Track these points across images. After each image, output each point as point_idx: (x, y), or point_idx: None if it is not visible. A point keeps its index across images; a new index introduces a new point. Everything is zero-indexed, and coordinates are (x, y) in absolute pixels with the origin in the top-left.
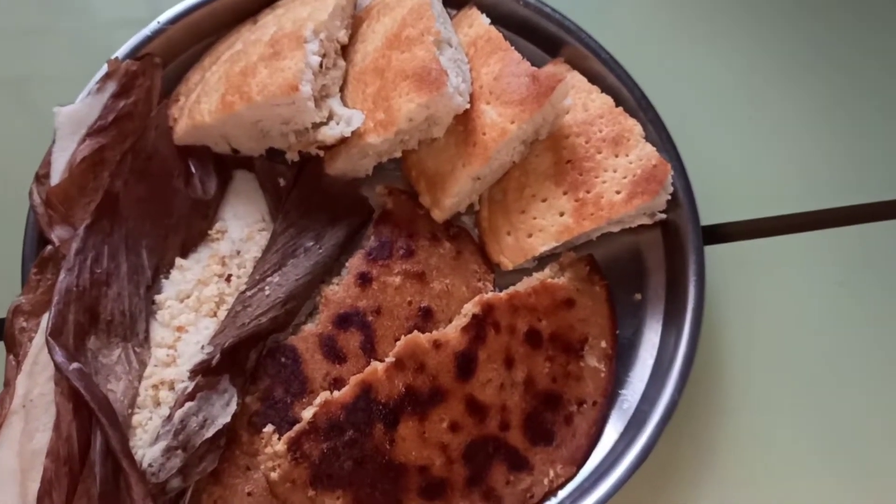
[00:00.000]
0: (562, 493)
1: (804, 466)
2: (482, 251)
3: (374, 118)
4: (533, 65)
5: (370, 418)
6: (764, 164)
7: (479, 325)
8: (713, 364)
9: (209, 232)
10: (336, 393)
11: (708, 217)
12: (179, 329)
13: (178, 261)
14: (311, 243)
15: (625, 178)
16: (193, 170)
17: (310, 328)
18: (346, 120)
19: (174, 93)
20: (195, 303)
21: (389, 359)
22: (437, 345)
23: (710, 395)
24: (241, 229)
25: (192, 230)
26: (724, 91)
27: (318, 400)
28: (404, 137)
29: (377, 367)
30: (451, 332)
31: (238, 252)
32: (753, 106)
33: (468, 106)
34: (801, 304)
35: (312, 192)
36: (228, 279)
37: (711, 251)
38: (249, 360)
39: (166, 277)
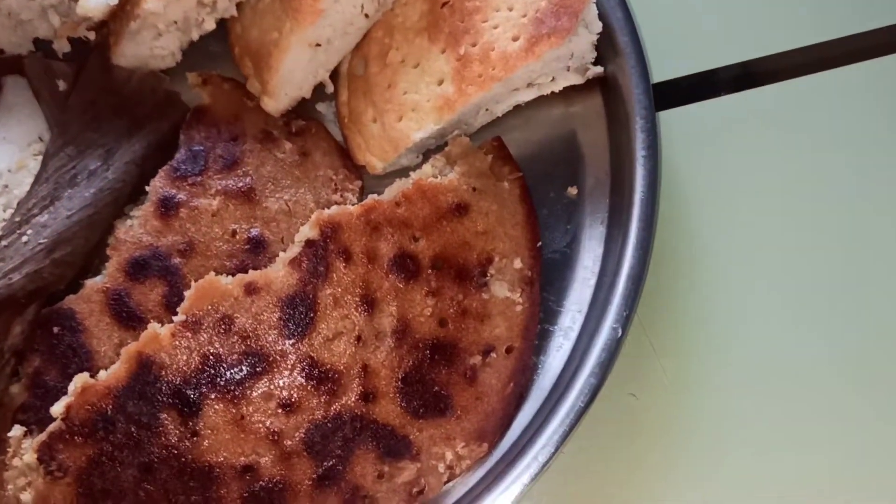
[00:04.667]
0: (469, 480)
1: (786, 414)
2: (342, 150)
3: None
4: None
5: (157, 405)
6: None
7: (318, 256)
8: (673, 276)
9: None
10: (102, 374)
11: (661, 71)
12: None
13: None
14: (98, 164)
15: (524, 16)
16: None
17: (94, 281)
18: None
19: None
20: None
21: (178, 317)
22: (251, 289)
23: (670, 321)
24: (11, 156)
25: None
26: None
27: (74, 386)
28: None
29: (158, 330)
30: (275, 269)
31: (6, 187)
32: None
33: None
34: (782, 180)
35: (100, 94)
36: None
37: (668, 118)
38: (11, 334)
39: None
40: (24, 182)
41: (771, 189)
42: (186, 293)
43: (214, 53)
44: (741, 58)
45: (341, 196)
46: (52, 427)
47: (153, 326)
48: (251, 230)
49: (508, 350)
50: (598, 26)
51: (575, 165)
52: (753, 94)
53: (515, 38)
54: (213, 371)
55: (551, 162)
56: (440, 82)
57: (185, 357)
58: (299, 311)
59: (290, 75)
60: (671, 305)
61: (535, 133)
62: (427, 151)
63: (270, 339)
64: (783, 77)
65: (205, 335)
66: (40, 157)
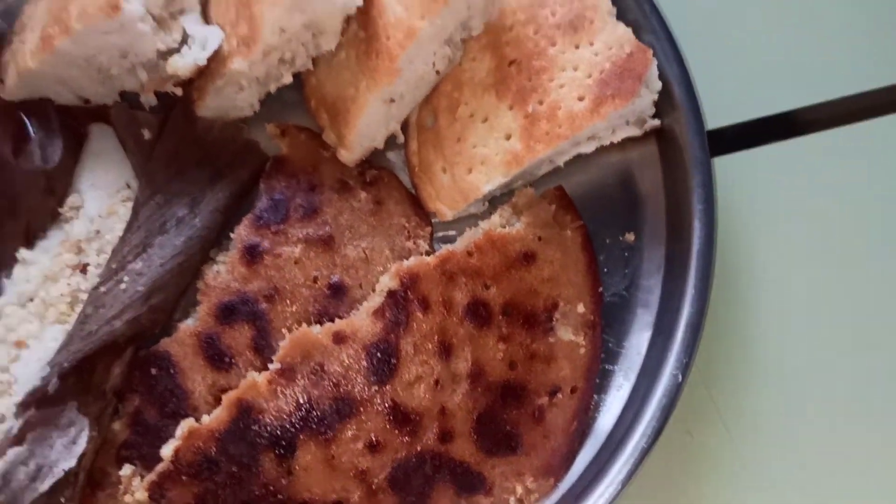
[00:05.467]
0: None
1: (841, 456)
2: (413, 198)
3: (237, 34)
4: None
5: (255, 447)
6: (789, 41)
7: (399, 306)
8: (732, 321)
9: (60, 210)
10: (206, 418)
11: (716, 119)
12: (18, 344)
13: (22, 253)
14: (185, 212)
15: (589, 77)
16: (32, 132)
17: (186, 325)
18: (200, 42)
19: (8, 33)
20: (40, 307)
21: (273, 365)
22: (339, 338)
23: (730, 363)
24: (101, 202)
25: (37, 211)
26: None
27: (181, 430)
28: (283, 56)
29: (256, 379)
30: (360, 318)
31: (98, 232)
32: None
33: (360, 2)
34: (838, 225)
35: (183, 144)
36: (84, 270)
37: (723, 164)
38: (111, 375)
39: (7, 276)
40: (114, 227)
41: (824, 234)
42: (281, 343)
43: (288, 101)
44: (792, 105)
45: (414, 242)
46: (161, 467)
47: (252, 375)
48: (332, 276)
49: (573, 390)
50: (658, 85)
51: (632, 211)
52: (806, 140)
53: (581, 98)
54: (306, 415)
55: (608, 207)
56: (508, 137)
57: (280, 402)
58: (383, 359)
59: (366, 129)
60: (726, 346)
61: (592, 178)
62: (493, 198)
63: (358, 384)
64: (834, 124)
65: (298, 382)
66: (128, 203)
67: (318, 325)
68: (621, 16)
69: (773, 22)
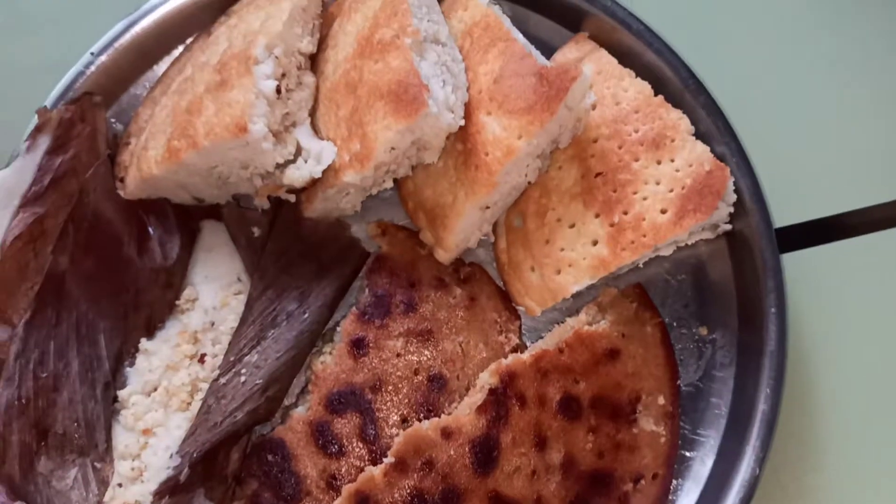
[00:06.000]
0: None
1: None
2: (502, 293)
3: (349, 149)
4: (551, 45)
5: None
6: (851, 143)
7: (499, 402)
8: (807, 408)
9: (177, 302)
10: None
11: (783, 216)
12: (146, 432)
13: (143, 343)
14: (295, 306)
15: (671, 191)
16: (151, 230)
17: (299, 413)
18: (315, 156)
19: (125, 133)
20: (164, 396)
21: (388, 459)
22: (446, 434)
23: (804, 450)
24: (215, 294)
25: (157, 303)
26: (798, 55)
27: None
28: (390, 168)
29: (373, 472)
30: (464, 414)
31: (212, 324)
32: (837, 70)
33: (462, 123)
34: None
35: (291, 242)
36: (202, 359)
37: (792, 259)
38: (231, 461)
39: (131, 366)
40: (227, 318)
41: (887, 325)
42: (396, 439)
43: (383, 198)
44: (853, 206)
45: (505, 336)
46: None
47: (369, 469)
48: (431, 369)
49: (654, 476)
50: (733, 197)
51: (704, 305)
52: (875, 237)
53: (664, 211)
54: None
55: (681, 301)
56: (595, 243)
57: (395, 493)
58: (486, 451)
59: (462, 232)
60: (794, 431)
61: (665, 273)
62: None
63: (464, 476)
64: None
65: (410, 474)
66: (240, 296)
67: (427, 421)
68: (699, 131)
69: (839, 125)
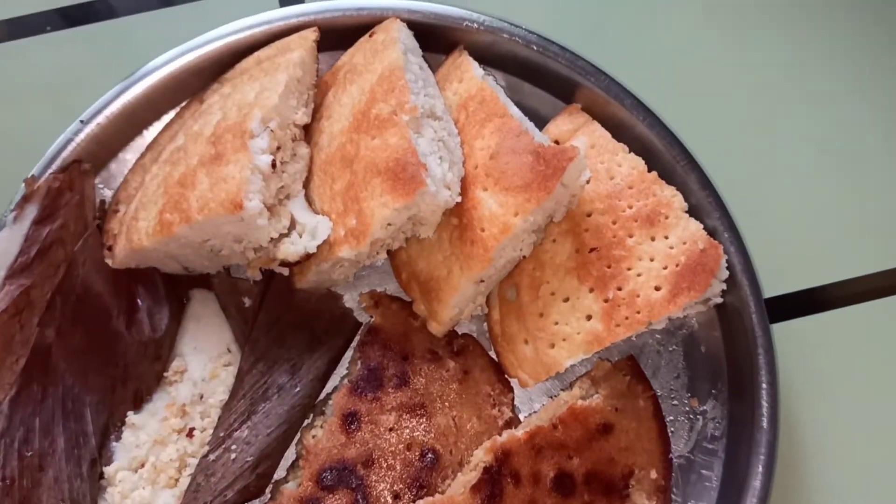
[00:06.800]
0: None
1: None
2: (495, 365)
3: (344, 224)
4: (544, 114)
5: None
6: (838, 215)
7: (494, 480)
8: (797, 476)
9: (165, 374)
10: None
11: (773, 286)
12: None
13: (130, 416)
14: (286, 379)
15: (665, 268)
16: (140, 301)
17: (290, 490)
18: (310, 231)
19: (113, 200)
20: (151, 472)
21: None
22: None
23: None
24: (204, 366)
25: (145, 376)
26: (786, 128)
27: None
28: (385, 242)
29: None
30: (459, 493)
31: (201, 396)
32: (823, 142)
33: (458, 199)
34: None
35: (283, 312)
36: (190, 434)
37: (782, 328)
38: None
39: (117, 440)
40: (216, 391)
41: (875, 395)
42: None
43: (376, 266)
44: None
45: (499, 410)
46: None
47: None
48: (424, 444)
49: None
50: (725, 274)
51: (695, 377)
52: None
53: (658, 288)
54: None
55: (672, 373)
56: (589, 318)
57: None
58: None
59: (457, 306)
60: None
61: (655, 343)
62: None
63: None
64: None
65: None
66: (229, 368)
67: (421, 501)
68: (692, 206)
69: (829, 196)
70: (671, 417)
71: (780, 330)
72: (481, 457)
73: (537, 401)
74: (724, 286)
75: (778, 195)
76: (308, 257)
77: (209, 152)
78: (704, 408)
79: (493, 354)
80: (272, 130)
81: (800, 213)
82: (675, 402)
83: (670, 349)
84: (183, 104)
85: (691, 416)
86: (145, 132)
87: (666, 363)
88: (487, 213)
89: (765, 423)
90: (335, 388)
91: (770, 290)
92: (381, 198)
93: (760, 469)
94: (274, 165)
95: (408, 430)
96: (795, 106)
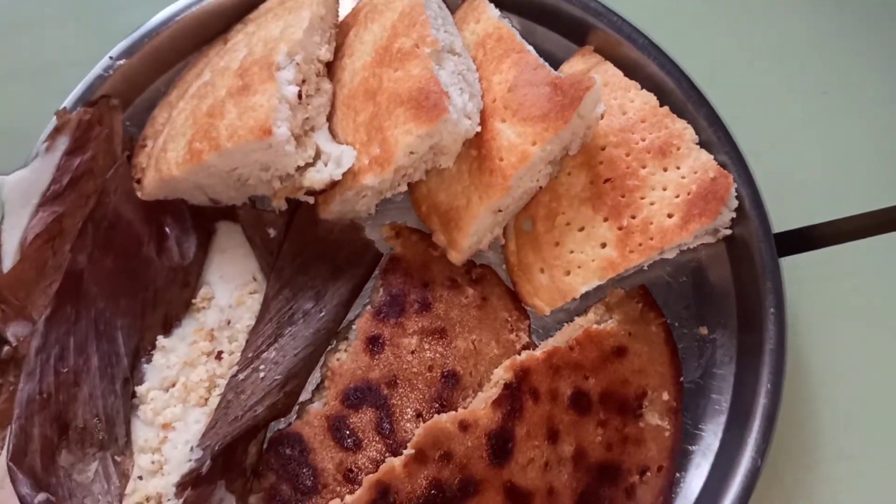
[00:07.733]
0: None
1: None
2: (512, 293)
3: (368, 153)
4: (557, 57)
5: None
6: (844, 152)
7: (514, 396)
8: (805, 404)
9: (193, 301)
10: (348, 499)
11: (781, 222)
12: (165, 427)
13: (160, 340)
14: (311, 305)
15: (677, 196)
16: (168, 230)
17: (316, 408)
18: (335, 160)
19: (140, 136)
20: (182, 391)
21: (408, 451)
22: (463, 426)
23: (803, 444)
24: (230, 293)
25: (174, 302)
26: (792, 68)
27: None
28: (407, 172)
29: (394, 463)
30: (481, 408)
31: (228, 322)
32: (828, 81)
33: (478, 129)
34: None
35: (307, 243)
36: (219, 357)
37: (789, 263)
38: (249, 454)
39: (148, 362)
40: (243, 317)
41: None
42: (416, 431)
43: (395, 201)
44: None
45: (515, 335)
46: None
47: (390, 460)
48: (445, 366)
49: (659, 469)
50: (735, 203)
51: (704, 306)
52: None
53: (670, 215)
54: (436, 493)
55: (682, 303)
56: (603, 246)
57: (414, 483)
58: (502, 444)
59: (475, 235)
60: (793, 425)
61: (667, 275)
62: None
63: (480, 467)
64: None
65: (430, 465)
66: (255, 295)
67: (445, 414)
68: (702, 140)
69: (836, 129)
70: (682, 345)
71: (787, 264)
72: (501, 374)
73: (553, 330)
74: (734, 215)
75: (787, 131)
76: (333, 185)
77: (237, 84)
78: (714, 336)
79: (510, 284)
80: (298, 64)
81: (808, 149)
82: (686, 330)
83: (680, 281)
84: (207, 45)
85: (701, 344)
86: (169, 72)
87: (676, 294)
88: (506, 143)
89: (772, 349)
90: (358, 315)
91: (779, 225)
92: (405, 125)
93: (768, 391)
94: (300, 96)
95: (429, 353)
96: (803, 45)
